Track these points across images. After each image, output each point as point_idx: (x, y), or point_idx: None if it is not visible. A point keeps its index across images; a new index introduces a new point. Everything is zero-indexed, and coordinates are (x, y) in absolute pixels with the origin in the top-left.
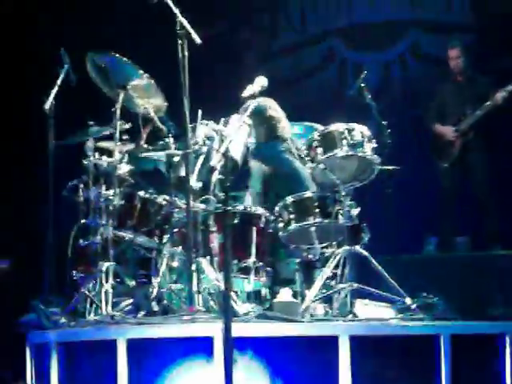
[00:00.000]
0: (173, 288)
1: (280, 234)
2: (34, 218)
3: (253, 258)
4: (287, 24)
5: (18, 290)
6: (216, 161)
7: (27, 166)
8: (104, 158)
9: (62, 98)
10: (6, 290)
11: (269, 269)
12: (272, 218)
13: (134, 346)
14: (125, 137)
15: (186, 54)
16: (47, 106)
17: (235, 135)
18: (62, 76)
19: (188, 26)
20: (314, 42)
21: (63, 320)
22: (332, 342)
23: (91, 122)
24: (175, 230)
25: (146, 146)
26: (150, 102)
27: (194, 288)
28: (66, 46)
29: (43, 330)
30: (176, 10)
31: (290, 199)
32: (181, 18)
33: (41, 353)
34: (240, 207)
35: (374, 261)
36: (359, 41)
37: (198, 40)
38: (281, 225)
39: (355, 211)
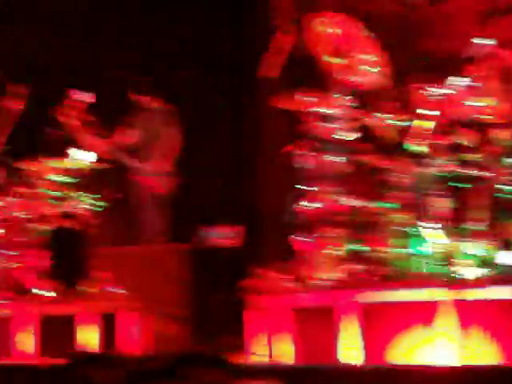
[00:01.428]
0: (399, 252)
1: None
2: (252, 184)
3: (481, 222)
4: None
5: (242, 257)
6: None
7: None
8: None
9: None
10: (232, 257)
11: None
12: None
13: (361, 310)
14: None
15: None
16: (264, 72)
17: None
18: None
19: None
20: None
21: (287, 285)
22: None
23: None
24: (400, 194)
25: None
26: None
27: (421, 252)
28: None
29: (268, 295)
30: None
31: None
32: None
33: (267, 318)
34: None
35: None
36: None
37: None
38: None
39: None
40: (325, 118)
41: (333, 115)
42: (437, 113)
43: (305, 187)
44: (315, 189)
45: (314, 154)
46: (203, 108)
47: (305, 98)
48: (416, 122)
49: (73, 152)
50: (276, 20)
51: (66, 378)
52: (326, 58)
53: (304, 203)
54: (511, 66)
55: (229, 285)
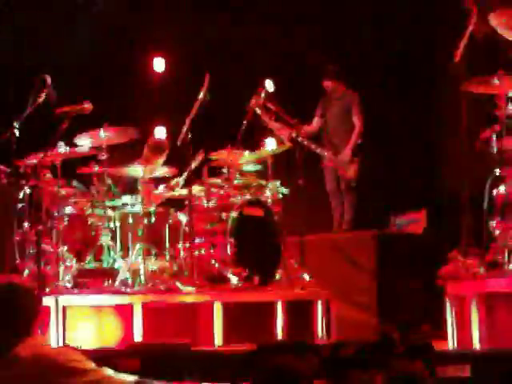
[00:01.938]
0: None
1: None
2: (447, 170)
3: None
4: None
5: (435, 242)
6: None
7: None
8: None
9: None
10: (422, 243)
11: None
12: None
13: None
14: None
15: None
16: (457, 56)
17: None
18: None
19: None
20: None
21: (481, 271)
22: None
23: None
24: None
25: None
26: None
27: None
28: None
29: (462, 281)
30: None
31: None
32: None
33: (460, 303)
34: None
35: None
36: None
37: None
38: None
39: None
40: None
41: None
42: None
43: (501, 171)
44: (509, 172)
45: (507, 137)
46: (393, 94)
47: (498, 81)
48: None
49: (267, 141)
50: (468, 4)
51: (254, 365)
52: None
53: (501, 188)
54: None
55: (421, 271)
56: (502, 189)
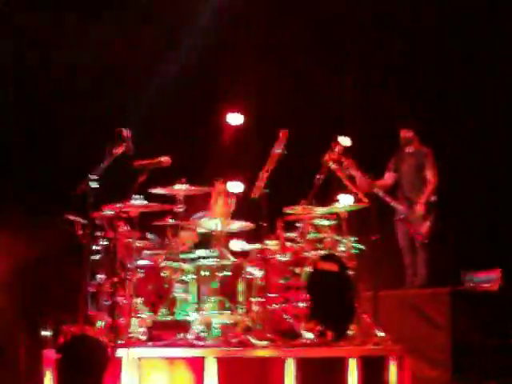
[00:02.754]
0: None
1: None
2: None
3: None
4: None
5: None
6: None
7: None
8: None
9: None
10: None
11: None
12: None
13: None
14: None
15: None
16: None
17: None
18: None
19: None
20: None
21: None
22: None
23: None
24: None
25: None
26: None
27: None
28: None
29: None
30: None
31: None
32: None
33: None
34: None
35: None
36: None
37: None
38: None
39: None
40: None
41: None
42: None
43: None
44: None
45: None
46: (470, 150)
47: None
48: None
49: (341, 197)
50: None
51: None
52: None
53: None
54: None
55: (497, 329)
56: None
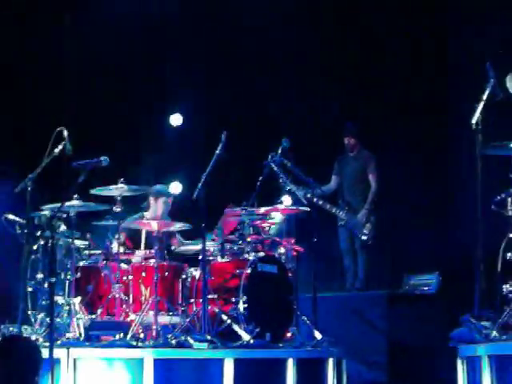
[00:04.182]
0: None
1: None
2: (461, 232)
3: None
4: None
5: (448, 304)
6: None
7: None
8: None
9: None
10: (435, 304)
11: None
12: None
13: None
14: None
15: None
16: (474, 120)
17: None
18: (487, 90)
19: None
20: None
21: (495, 334)
22: None
23: None
24: None
25: None
26: None
27: None
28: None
29: (474, 344)
30: None
31: None
32: None
33: (472, 365)
34: None
35: None
36: None
37: None
38: None
39: None
40: None
41: None
42: None
43: None
44: None
45: None
46: (407, 157)
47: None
48: None
49: (282, 199)
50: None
51: None
52: None
53: None
54: None
55: (433, 333)
56: None
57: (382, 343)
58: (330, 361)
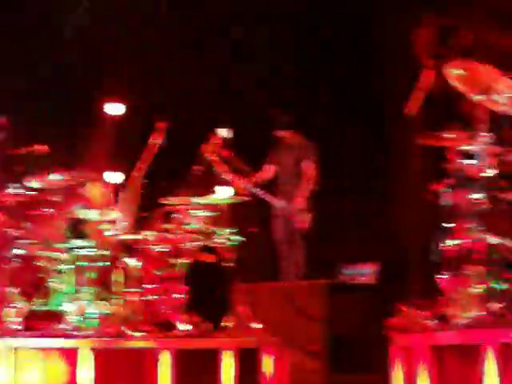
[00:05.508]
0: None
1: None
2: (398, 222)
3: None
4: None
5: (385, 294)
6: None
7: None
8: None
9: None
10: (372, 294)
11: None
12: None
13: (503, 350)
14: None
15: None
16: (409, 110)
17: None
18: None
19: None
20: None
21: (431, 323)
22: None
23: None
24: None
25: None
26: None
27: None
28: None
29: (411, 333)
30: None
31: None
32: None
33: (408, 355)
34: None
35: None
36: None
37: None
38: None
39: None
40: (467, 155)
41: (474, 152)
42: None
43: (448, 225)
44: (458, 226)
45: (457, 191)
46: (345, 144)
47: (448, 136)
48: None
49: (219, 189)
50: (418, 56)
51: None
52: (467, 96)
53: (448, 241)
54: None
55: (371, 322)
56: (449, 242)
57: (321, 333)
58: (268, 350)
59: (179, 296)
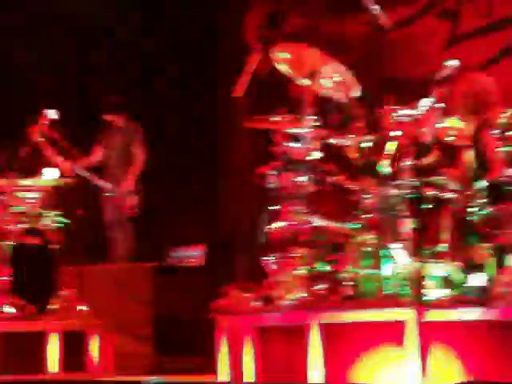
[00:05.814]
0: (365, 273)
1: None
2: (226, 205)
3: (445, 243)
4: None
5: (213, 277)
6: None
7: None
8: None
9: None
10: (199, 276)
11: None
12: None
13: (326, 330)
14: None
15: None
16: (237, 92)
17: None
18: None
19: None
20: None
21: (256, 305)
22: None
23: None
24: (366, 215)
25: None
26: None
27: (386, 273)
28: None
29: (237, 315)
30: None
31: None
32: None
33: (234, 337)
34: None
35: None
36: None
37: None
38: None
39: None
40: (294, 137)
41: (302, 135)
42: (403, 133)
43: (275, 207)
44: (285, 209)
45: (284, 174)
46: (176, 127)
47: (275, 118)
48: (386, 144)
49: (46, 170)
50: (247, 40)
51: None
52: (294, 79)
53: (274, 223)
54: (477, 88)
55: (195, 304)
56: (275, 225)
57: (148, 315)
58: (94, 334)
59: (3, 278)
